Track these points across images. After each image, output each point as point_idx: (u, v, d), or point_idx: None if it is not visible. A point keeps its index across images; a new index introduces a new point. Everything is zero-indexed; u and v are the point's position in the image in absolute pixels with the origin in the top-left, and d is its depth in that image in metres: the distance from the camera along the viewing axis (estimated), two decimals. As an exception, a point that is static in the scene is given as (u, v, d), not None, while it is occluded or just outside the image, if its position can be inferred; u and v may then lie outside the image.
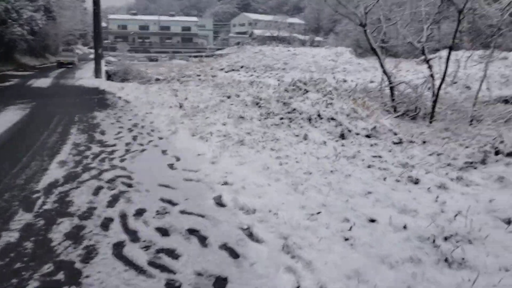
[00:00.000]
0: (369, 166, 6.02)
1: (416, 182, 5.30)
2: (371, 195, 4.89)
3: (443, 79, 13.44)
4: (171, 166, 6.24)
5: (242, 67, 26.21)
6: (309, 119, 8.18)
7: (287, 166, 6.02)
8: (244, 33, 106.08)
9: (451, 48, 13.45)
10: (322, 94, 9.01)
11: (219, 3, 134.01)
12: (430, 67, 14.65)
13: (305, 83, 10.28)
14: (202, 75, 24.95)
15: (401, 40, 16.56)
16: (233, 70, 26.12)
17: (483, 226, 4.00)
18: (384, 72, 15.01)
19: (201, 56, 76.23)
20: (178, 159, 6.61)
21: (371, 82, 24.10)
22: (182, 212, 4.49)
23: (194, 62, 47.31)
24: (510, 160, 6.04)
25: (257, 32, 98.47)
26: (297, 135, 7.69)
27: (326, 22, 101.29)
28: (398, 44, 17.64)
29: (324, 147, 7.12)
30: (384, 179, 5.48)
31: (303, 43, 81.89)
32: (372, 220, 4.17)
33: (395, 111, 13.04)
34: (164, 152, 7.08)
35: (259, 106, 9.46)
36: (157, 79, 22.70)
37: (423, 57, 33.13)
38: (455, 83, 19.29)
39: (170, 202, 4.76)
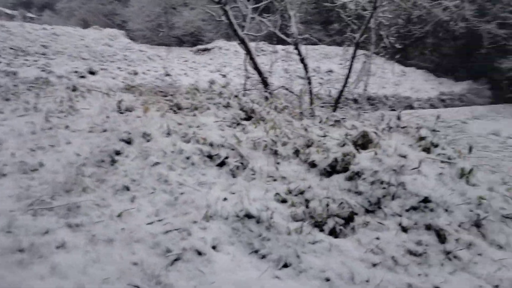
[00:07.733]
0: None
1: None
2: None
3: (346, 80, 10.23)
4: None
5: (-29, 49, 17.23)
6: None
7: None
8: None
9: (357, 45, 10.12)
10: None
11: None
12: (305, 66, 11.04)
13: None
14: None
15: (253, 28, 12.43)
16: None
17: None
18: (258, 70, 10.67)
19: None
20: None
21: (167, 75, 19.02)
22: None
23: None
24: None
25: None
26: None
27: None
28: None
29: None
30: None
31: (11, 18, 66.78)
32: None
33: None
34: None
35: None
36: None
37: (202, 47, 29.45)
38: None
39: None
